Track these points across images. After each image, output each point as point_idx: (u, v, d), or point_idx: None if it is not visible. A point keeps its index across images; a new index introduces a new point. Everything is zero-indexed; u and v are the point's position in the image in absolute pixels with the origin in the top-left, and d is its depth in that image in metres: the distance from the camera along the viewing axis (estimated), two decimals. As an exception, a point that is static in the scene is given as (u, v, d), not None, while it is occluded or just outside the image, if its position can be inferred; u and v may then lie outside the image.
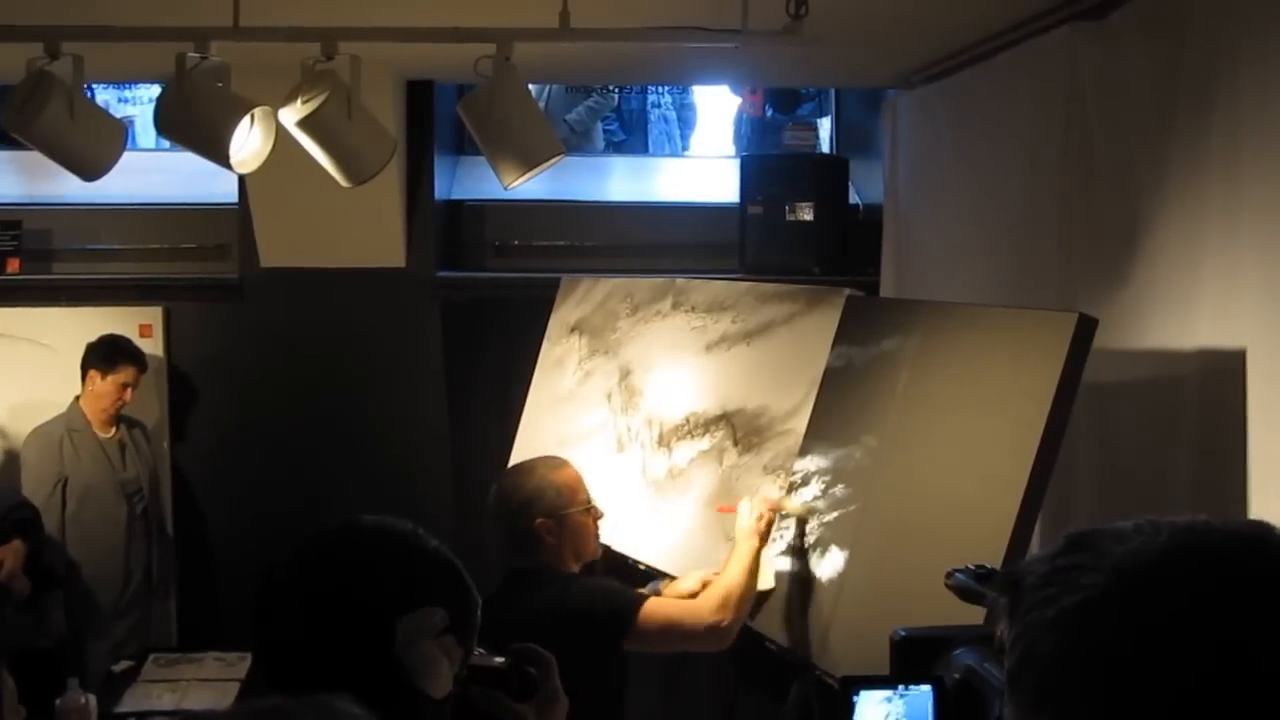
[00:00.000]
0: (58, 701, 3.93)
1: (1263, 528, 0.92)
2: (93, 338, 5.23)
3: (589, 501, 3.43)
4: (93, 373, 5.13)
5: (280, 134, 3.63)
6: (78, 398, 5.18)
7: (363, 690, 1.54)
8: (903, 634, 1.80)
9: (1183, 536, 0.92)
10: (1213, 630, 0.86)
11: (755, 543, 3.52)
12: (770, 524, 3.59)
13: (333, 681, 1.50)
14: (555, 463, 3.53)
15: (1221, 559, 0.90)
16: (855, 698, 1.78)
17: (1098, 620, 0.89)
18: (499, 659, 1.77)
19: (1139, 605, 0.88)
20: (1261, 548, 0.90)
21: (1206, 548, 0.91)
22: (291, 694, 1.27)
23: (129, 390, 5.16)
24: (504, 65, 3.46)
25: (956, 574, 1.91)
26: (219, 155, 3.52)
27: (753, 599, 3.46)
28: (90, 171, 3.62)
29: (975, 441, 3.12)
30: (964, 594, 1.89)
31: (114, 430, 5.22)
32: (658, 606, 3.28)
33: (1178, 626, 0.87)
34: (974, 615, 2.02)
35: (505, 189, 3.72)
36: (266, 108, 3.57)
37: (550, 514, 3.32)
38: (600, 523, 3.47)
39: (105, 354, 5.14)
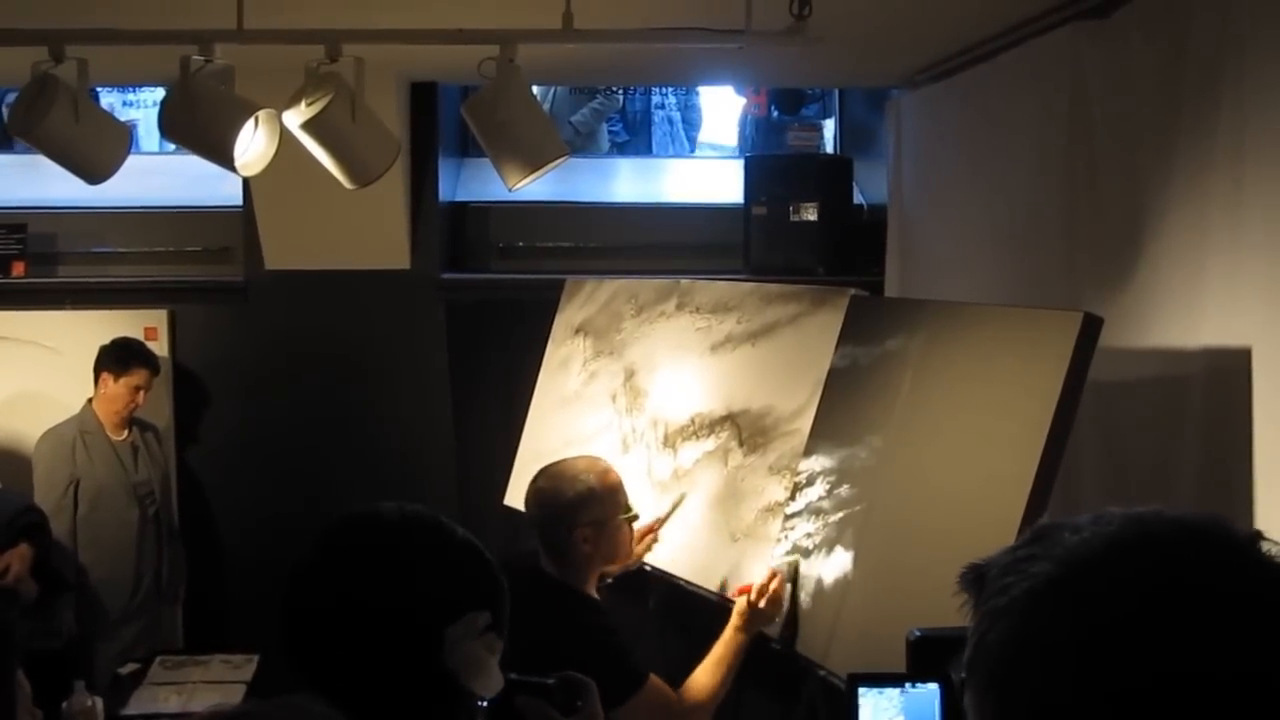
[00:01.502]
0: (64, 704, 3.94)
1: (1213, 520, 0.93)
2: (98, 341, 5.24)
3: (629, 508, 3.33)
4: (105, 375, 5.14)
5: (284, 137, 3.64)
6: (90, 400, 5.19)
7: (410, 696, 1.58)
8: (918, 634, 1.81)
9: (1131, 527, 0.92)
10: (1149, 623, 0.86)
11: (743, 639, 3.41)
12: (770, 616, 3.48)
13: (380, 690, 1.55)
14: (600, 466, 3.37)
15: (1164, 552, 0.90)
16: (859, 694, 1.79)
17: (1042, 609, 0.90)
18: (550, 680, 1.85)
19: (1080, 595, 0.89)
20: (1207, 540, 0.91)
21: (1151, 539, 0.91)
22: (336, 701, 1.29)
23: (141, 393, 5.17)
24: (507, 66, 3.46)
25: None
26: (223, 158, 3.52)
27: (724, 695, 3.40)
28: (95, 175, 3.63)
29: (980, 441, 3.11)
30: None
31: (126, 433, 5.23)
32: (657, 693, 3.16)
33: (1115, 618, 0.87)
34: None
35: (510, 191, 3.73)
36: (270, 110, 3.58)
37: (592, 523, 3.21)
38: (635, 526, 3.37)
39: (118, 356, 5.15)
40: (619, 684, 3.03)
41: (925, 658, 1.77)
